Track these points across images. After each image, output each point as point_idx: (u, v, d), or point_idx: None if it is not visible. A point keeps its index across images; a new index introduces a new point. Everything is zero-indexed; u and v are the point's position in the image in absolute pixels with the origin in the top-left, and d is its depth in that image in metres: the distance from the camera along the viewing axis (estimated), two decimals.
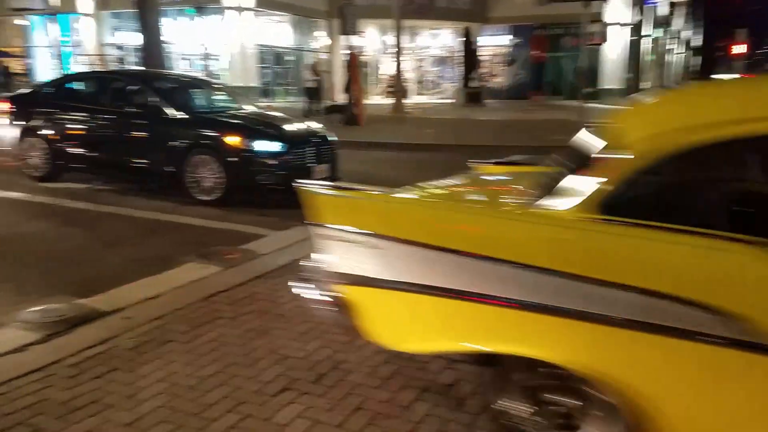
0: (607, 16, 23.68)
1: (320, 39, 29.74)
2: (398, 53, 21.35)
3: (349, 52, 17.31)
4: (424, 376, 3.11)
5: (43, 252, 5.33)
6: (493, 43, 31.23)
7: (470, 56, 25.83)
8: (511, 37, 31.07)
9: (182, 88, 8.66)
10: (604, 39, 15.44)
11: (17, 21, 30.33)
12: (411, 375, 3.12)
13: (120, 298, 4.03)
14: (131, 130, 7.69)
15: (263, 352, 3.37)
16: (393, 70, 22.49)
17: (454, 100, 27.40)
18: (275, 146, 7.22)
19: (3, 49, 29.53)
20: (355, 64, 17.25)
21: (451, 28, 30.77)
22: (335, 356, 3.33)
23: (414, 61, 32.27)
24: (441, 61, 32.83)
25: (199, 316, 3.83)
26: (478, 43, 28.43)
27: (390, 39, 23.95)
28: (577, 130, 2.68)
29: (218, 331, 3.61)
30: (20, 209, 6.91)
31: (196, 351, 3.36)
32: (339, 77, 23.91)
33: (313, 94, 19.69)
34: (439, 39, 32.63)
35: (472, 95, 25.30)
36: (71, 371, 3.10)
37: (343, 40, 17.66)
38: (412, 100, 28.42)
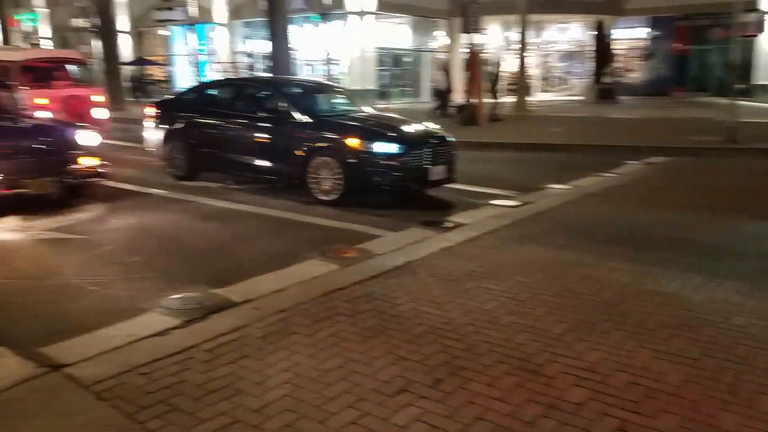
0: (765, 4, 21.57)
1: (439, 39, 29.73)
2: (521, 49, 20.80)
3: (469, 50, 17.12)
4: (549, 391, 2.99)
5: (183, 245, 5.79)
6: (629, 36, 29.51)
7: (603, 50, 24.52)
8: (649, 29, 29.21)
9: (307, 93, 9.07)
10: (760, 29, 14.01)
11: (160, 32, 33.17)
12: (535, 389, 3.01)
13: (250, 290, 4.29)
14: (261, 133, 8.14)
15: (380, 351, 3.41)
16: (516, 67, 21.88)
17: (583, 97, 26.25)
18: (392, 147, 7.32)
19: (147, 58, 32.45)
20: (475, 63, 17.01)
21: (581, 22, 29.46)
22: (453, 362, 3.29)
23: (539, 57, 31.26)
24: (569, 56, 31.42)
25: (320, 311, 3.97)
26: (612, 37, 27.01)
27: (514, 35, 23.28)
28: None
29: (337, 327, 3.72)
30: (163, 205, 7.56)
31: (317, 345, 3.48)
32: (458, 76, 23.73)
33: (442, 94, 19.23)
34: (568, 33, 31.27)
35: (604, 92, 23.97)
36: (207, 356, 3.33)
37: (463, 38, 17.45)
38: (536, 97, 27.54)
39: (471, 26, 16.58)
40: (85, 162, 7.15)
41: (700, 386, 3.05)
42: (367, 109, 8.98)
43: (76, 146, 7.08)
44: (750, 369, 3.23)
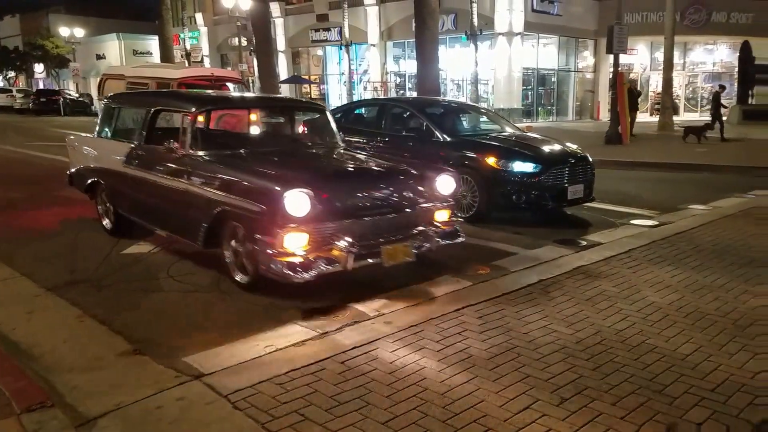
0: None
1: (586, 58, 28.72)
2: (666, 68, 19.80)
3: (613, 70, 16.44)
4: (672, 411, 2.93)
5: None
6: None
7: (749, 71, 22.77)
8: None
9: (450, 113, 9.14)
10: None
11: (317, 52, 35.05)
12: (658, 408, 2.96)
13: (383, 305, 4.37)
14: (406, 151, 8.23)
15: (507, 368, 3.38)
16: (661, 87, 20.77)
17: (725, 118, 24.28)
18: (529, 167, 7.27)
19: (302, 76, 34.28)
20: (621, 83, 16.31)
21: (728, 43, 27.26)
22: (580, 381, 3.23)
23: (685, 77, 29.27)
24: (716, 77, 29.29)
25: (450, 327, 3.97)
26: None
27: (660, 55, 22.19)
28: None
29: (466, 343, 3.72)
30: None
31: (446, 360, 3.46)
32: (604, 95, 22.74)
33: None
34: (716, 54, 29.18)
35: (749, 113, 22.24)
36: (340, 368, 3.40)
37: (610, 58, 16.82)
38: (683, 117, 25.91)
39: (617, 47, 15.98)
40: (440, 216, 5.21)
41: None
42: (510, 129, 8.82)
43: (430, 195, 5.13)
44: None
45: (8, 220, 7.54)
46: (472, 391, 3.11)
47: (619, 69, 16.88)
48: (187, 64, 31.39)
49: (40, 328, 4.05)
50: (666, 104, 20.92)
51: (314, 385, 3.20)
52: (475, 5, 20.66)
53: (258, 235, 4.40)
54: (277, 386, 3.19)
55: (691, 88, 30.33)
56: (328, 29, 32.31)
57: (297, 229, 4.28)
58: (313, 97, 34.20)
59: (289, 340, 3.76)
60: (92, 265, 5.58)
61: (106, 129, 6.81)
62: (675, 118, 21.08)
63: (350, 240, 4.45)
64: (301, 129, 7.01)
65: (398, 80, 30.85)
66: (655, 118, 22.79)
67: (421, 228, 4.95)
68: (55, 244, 6.36)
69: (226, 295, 4.78)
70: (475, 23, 20.79)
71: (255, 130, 6.82)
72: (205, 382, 3.21)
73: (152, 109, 5.98)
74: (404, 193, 4.98)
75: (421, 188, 5.08)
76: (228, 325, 4.15)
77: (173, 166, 5.32)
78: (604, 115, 20.31)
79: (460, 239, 5.29)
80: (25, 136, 20.73)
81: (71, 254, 6.03)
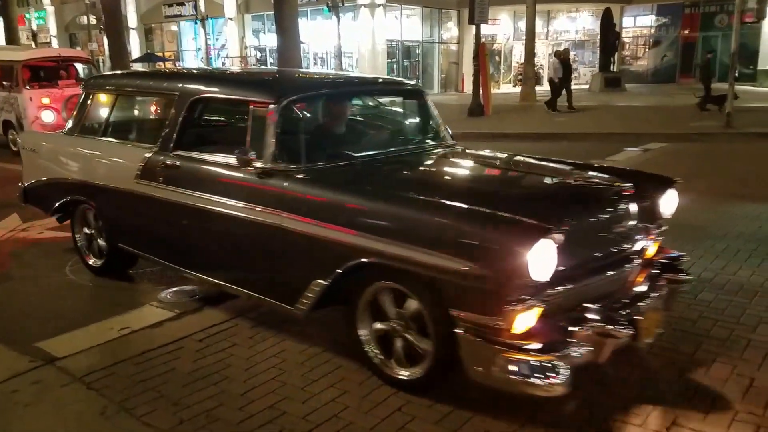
0: None
1: (450, 30, 29.68)
2: (528, 39, 20.75)
3: (477, 41, 17.10)
4: None
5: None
6: (637, 24, 29.30)
7: (610, 39, 24.40)
8: (656, 16, 28.96)
9: None
10: (762, 15, 13.88)
11: (171, 27, 33.38)
12: None
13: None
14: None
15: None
16: (523, 57, 21.79)
17: (587, 86, 26.10)
18: None
19: (156, 53, 32.65)
20: (483, 54, 16.99)
21: (591, 10, 29.27)
22: None
23: (549, 46, 31.06)
24: (578, 45, 31.23)
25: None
26: (621, 25, 26.82)
27: (523, 24, 23.20)
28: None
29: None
30: None
31: (304, 332, 3.60)
32: (468, 68, 23.66)
33: (558, 87, 17.21)
34: (577, 22, 31.07)
35: (611, 80, 23.82)
36: (197, 346, 3.47)
37: (473, 29, 17.43)
38: (546, 87, 27.33)
39: (479, 17, 16.56)
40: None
41: None
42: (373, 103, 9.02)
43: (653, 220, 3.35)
44: None
45: None
46: (328, 359, 3.28)
47: (482, 40, 17.42)
48: (33, 46, 28.97)
49: None
50: (528, 74, 21.31)
51: (171, 363, 3.26)
52: None
53: (458, 312, 2.64)
54: (133, 366, 3.24)
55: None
56: (182, 3, 30.81)
57: (533, 302, 2.56)
58: None
59: (146, 322, 3.78)
60: None
61: (95, 124, 4.68)
62: (538, 88, 21.89)
63: (597, 310, 2.75)
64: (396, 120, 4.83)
65: (259, 54, 30.17)
66: (518, 89, 23.71)
67: (655, 272, 3.25)
68: None
69: (78, 281, 4.69)
70: None
71: (341, 125, 4.05)
72: (59, 366, 3.25)
73: (191, 99, 3.82)
74: (638, 223, 3.20)
75: (644, 210, 3.26)
76: (82, 310, 4.10)
77: (244, 186, 3.35)
78: (469, 87, 21.11)
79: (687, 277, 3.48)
80: None
81: None
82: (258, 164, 3.28)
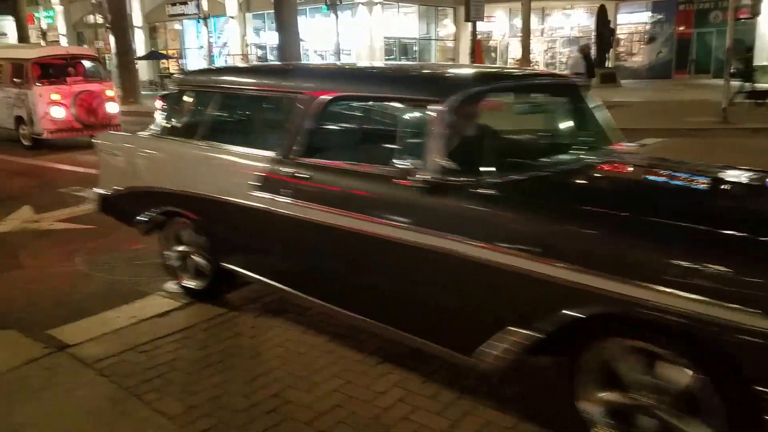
0: None
1: (447, 27, 29.79)
2: (524, 35, 20.89)
3: (472, 38, 17.21)
4: None
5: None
6: (632, 20, 29.40)
7: (605, 35, 24.51)
8: (651, 13, 29.07)
9: None
10: (755, 12, 13.95)
11: (174, 26, 33.54)
12: None
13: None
14: (268, 120, 8.29)
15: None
16: (520, 54, 21.91)
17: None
18: None
19: (160, 51, 32.79)
20: (479, 51, 17.09)
21: (585, 7, 29.37)
22: None
23: (544, 42, 31.22)
24: (574, 41, 31.37)
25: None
26: (616, 22, 26.92)
27: (519, 22, 23.35)
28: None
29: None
30: None
31: (308, 323, 3.69)
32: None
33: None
34: (572, 19, 31.21)
35: (606, 76, 23.91)
36: (204, 335, 3.56)
37: (469, 26, 17.55)
38: None
39: (474, 14, 16.66)
40: None
41: None
42: None
43: None
44: None
45: None
46: (332, 350, 3.35)
47: (478, 37, 17.55)
48: (43, 44, 29.28)
49: None
50: None
51: (178, 352, 3.35)
52: None
53: None
54: (141, 354, 3.33)
55: (550, 54, 32.24)
56: (185, 2, 30.90)
57: None
58: (172, 72, 32.86)
59: (153, 311, 3.88)
60: None
61: (190, 126, 4.03)
62: None
63: None
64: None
65: (260, 52, 30.28)
66: None
67: None
68: None
69: (87, 271, 4.78)
70: None
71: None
72: (71, 353, 3.33)
73: (324, 98, 3.20)
74: None
75: None
76: (92, 299, 4.17)
77: (401, 202, 2.75)
78: None
79: None
80: None
81: None
82: (421, 176, 2.63)
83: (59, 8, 37.41)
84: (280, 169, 3.23)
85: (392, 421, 2.72)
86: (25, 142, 11.78)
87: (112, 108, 12.37)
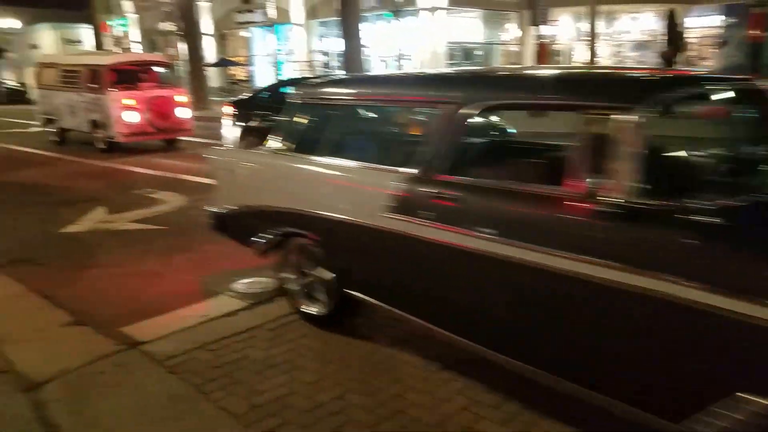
0: None
1: (511, 31, 29.45)
2: (592, 40, 20.49)
3: (538, 42, 16.96)
4: None
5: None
6: (702, 24, 28.23)
7: (674, 39, 23.70)
8: (723, 17, 27.84)
9: None
10: None
11: (242, 33, 34.55)
12: None
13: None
14: None
15: None
16: (587, 58, 21.47)
17: None
18: None
19: (229, 59, 33.84)
20: (544, 54, 16.85)
21: (654, 11, 28.48)
22: None
23: (611, 47, 30.42)
24: (641, 45, 30.49)
25: None
26: (685, 25, 25.91)
27: (585, 26, 22.87)
28: None
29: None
30: None
31: (369, 326, 3.69)
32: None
33: None
34: (640, 23, 30.33)
35: None
36: (269, 335, 3.61)
37: (533, 30, 17.32)
38: None
39: (539, 18, 16.45)
40: None
41: None
42: None
43: None
44: None
45: None
46: (393, 354, 3.34)
47: (542, 41, 17.35)
48: (117, 51, 30.85)
49: None
50: None
51: (245, 351, 3.40)
52: None
53: None
54: (209, 352, 3.40)
55: (617, 58, 31.44)
56: (252, 11, 31.79)
57: None
58: (240, 78, 33.86)
59: (221, 311, 3.97)
60: (32, 244, 5.72)
61: (312, 139, 3.74)
62: None
63: None
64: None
65: (324, 59, 30.77)
66: None
67: None
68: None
69: (159, 270, 4.95)
70: (398, 0, 20.97)
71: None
72: (142, 350, 3.44)
73: (478, 108, 2.82)
74: None
75: None
76: (163, 297, 4.30)
77: (586, 231, 2.27)
78: None
79: None
80: None
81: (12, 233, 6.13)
82: (610, 198, 2.19)
83: (133, 16, 39.20)
84: (420, 188, 2.85)
85: (455, 428, 2.68)
86: (100, 146, 12.33)
87: (184, 113, 12.81)
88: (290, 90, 4.11)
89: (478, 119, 3.37)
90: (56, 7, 51.72)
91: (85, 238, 6.00)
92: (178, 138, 12.97)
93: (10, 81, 41.51)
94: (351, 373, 3.15)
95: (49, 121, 13.95)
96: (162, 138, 12.71)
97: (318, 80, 4.08)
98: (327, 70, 29.72)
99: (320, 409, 2.83)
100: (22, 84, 38.79)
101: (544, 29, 17.09)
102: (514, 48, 29.21)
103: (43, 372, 3.18)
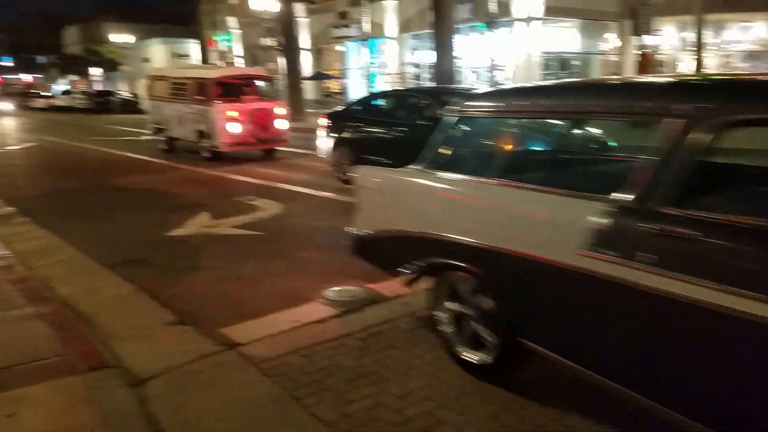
0: None
1: (610, 41, 28.43)
2: (698, 50, 19.41)
3: (641, 52, 16.23)
4: None
5: (344, 243, 6.21)
6: None
7: None
8: None
9: None
10: None
11: (337, 47, 35.54)
12: None
13: (401, 287, 4.50)
14: (421, 140, 8.40)
15: None
16: (693, 68, 20.33)
17: None
18: None
19: (324, 72, 34.90)
20: (646, 65, 16.11)
21: (766, 20, 26.51)
22: None
23: (718, 57, 28.57)
24: (753, 56, 28.42)
25: None
26: None
27: (690, 35, 21.65)
28: None
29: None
30: (329, 207, 8.13)
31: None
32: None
33: None
34: (752, 32, 28.30)
35: None
36: (358, 344, 3.64)
37: (635, 40, 16.62)
38: None
39: (642, 28, 15.75)
40: None
41: None
42: None
43: None
44: None
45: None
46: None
47: (645, 51, 16.61)
48: (221, 65, 32.78)
49: (101, 300, 4.55)
50: None
51: (335, 359, 3.45)
52: None
53: None
54: (301, 357, 3.48)
55: (727, 69, 29.58)
56: (348, 26, 32.65)
57: None
58: (334, 91, 34.85)
59: (313, 317, 4.06)
60: (142, 246, 6.13)
61: (482, 160, 3.35)
62: None
63: None
64: None
65: (416, 71, 31.02)
66: None
67: None
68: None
69: (255, 274, 5.15)
70: (492, 11, 20.80)
71: None
72: (240, 351, 3.58)
73: (723, 120, 2.17)
74: None
75: None
76: (259, 300, 4.47)
77: None
78: None
79: None
80: (86, 132, 22.05)
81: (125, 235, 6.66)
82: None
83: (237, 32, 41.33)
84: (638, 222, 2.28)
85: None
86: (205, 154, 13.05)
87: (282, 125, 13.31)
88: (449, 102, 3.79)
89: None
90: (167, 23, 56.14)
91: (190, 242, 6.34)
92: (276, 148, 13.47)
93: (124, 92, 45.25)
94: (439, 389, 3.10)
95: (158, 131, 14.93)
96: (261, 148, 13.26)
97: (483, 91, 3.70)
98: (418, 82, 29.98)
99: (409, 424, 2.80)
100: (135, 95, 42.13)
101: (647, 39, 16.32)
102: (613, 58, 28.18)
103: (148, 369, 3.36)
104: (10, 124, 29.61)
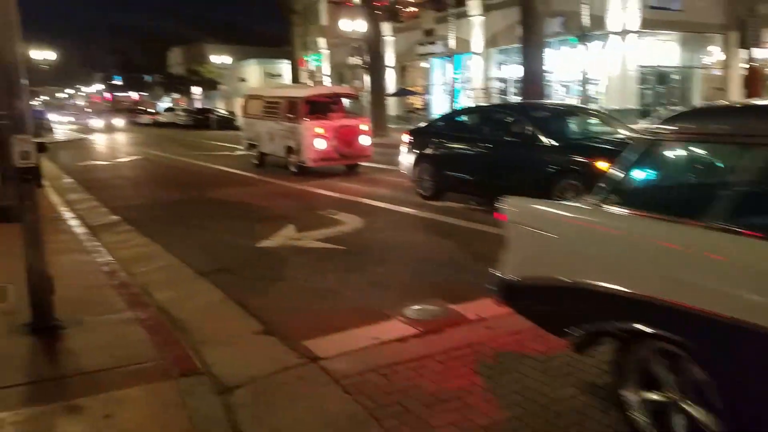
0: None
1: (713, 54, 26.84)
2: None
3: (748, 66, 15.22)
4: None
5: (423, 259, 6.17)
6: None
7: None
8: None
9: (556, 116, 8.97)
10: None
11: (421, 64, 35.79)
12: None
13: (484, 309, 4.36)
14: (507, 156, 8.26)
15: None
16: None
17: None
18: None
19: (407, 88, 35.22)
20: (756, 79, 15.06)
21: None
22: None
23: None
24: None
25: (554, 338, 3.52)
26: None
27: None
28: None
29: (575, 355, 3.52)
30: (409, 223, 8.13)
31: (550, 372, 3.44)
32: (736, 94, 21.04)
33: None
34: None
35: None
36: (439, 367, 3.54)
37: (742, 53, 15.59)
38: None
39: (751, 40, 14.75)
40: None
41: None
42: (623, 131, 8.44)
43: None
44: None
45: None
46: (578, 407, 3.07)
47: (753, 65, 15.56)
48: (309, 83, 34.21)
49: (194, 307, 4.77)
50: None
51: (415, 380, 3.38)
52: (586, 6, 20.06)
53: None
54: (381, 376, 3.43)
55: None
56: (434, 42, 32.80)
57: None
58: (416, 107, 35.00)
59: (392, 335, 4.02)
60: (233, 255, 6.39)
61: (684, 197, 2.79)
62: None
63: None
64: None
65: (501, 86, 30.61)
66: None
67: None
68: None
69: (337, 288, 5.21)
70: (586, 24, 20.18)
71: None
72: (321, 366, 3.60)
73: None
74: None
75: None
76: (341, 314, 4.50)
77: None
78: None
79: None
80: (186, 147, 23.62)
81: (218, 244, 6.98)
82: None
83: (326, 52, 42.63)
84: None
85: None
86: (292, 169, 13.43)
87: (365, 140, 13.51)
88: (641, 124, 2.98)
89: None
90: (262, 45, 58.87)
91: (276, 253, 6.50)
92: (359, 163, 13.68)
93: (221, 110, 47.85)
94: (526, 421, 2.96)
95: (251, 146, 15.56)
96: (344, 163, 13.50)
97: (695, 107, 2.98)
98: (504, 97, 29.60)
99: None
100: (231, 113, 44.43)
101: (756, 52, 15.28)
102: (717, 72, 26.62)
103: (235, 377, 3.44)
104: (120, 138, 32.44)
